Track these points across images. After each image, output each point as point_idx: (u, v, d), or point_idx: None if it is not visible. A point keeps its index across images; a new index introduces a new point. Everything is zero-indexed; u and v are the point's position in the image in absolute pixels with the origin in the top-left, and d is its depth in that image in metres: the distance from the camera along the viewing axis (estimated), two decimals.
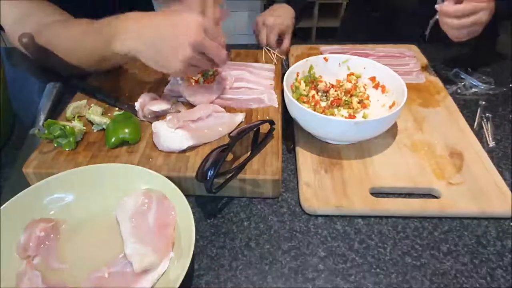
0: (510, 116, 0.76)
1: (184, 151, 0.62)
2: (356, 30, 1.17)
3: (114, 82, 0.80)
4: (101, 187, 0.57)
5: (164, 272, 0.48)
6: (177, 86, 0.76)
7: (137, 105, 0.69)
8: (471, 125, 0.71)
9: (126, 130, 0.63)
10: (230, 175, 0.58)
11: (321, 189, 0.59)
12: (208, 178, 0.54)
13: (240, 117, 0.68)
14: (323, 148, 0.66)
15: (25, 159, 0.61)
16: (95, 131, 0.67)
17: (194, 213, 0.51)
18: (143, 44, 0.61)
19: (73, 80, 0.78)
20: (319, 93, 0.73)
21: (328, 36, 2.72)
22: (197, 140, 0.62)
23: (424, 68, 0.87)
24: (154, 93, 0.74)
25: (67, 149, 0.63)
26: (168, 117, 0.67)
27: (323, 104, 0.71)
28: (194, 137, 0.62)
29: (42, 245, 0.51)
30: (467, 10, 0.73)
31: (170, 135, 0.62)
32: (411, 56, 0.90)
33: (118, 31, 0.62)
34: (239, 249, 0.54)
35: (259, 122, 0.64)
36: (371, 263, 0.52)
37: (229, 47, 0.78)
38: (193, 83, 0.75)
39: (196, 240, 0.54)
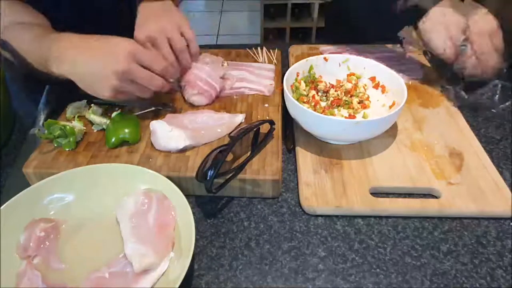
0: (510, 116, 0.76)
1: (184, 151, 0.62)
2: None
3: None
4: (101, 187, 0.57)
5: (164, 272, 0.48)
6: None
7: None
8: (471, 125, 0.71)
9: (126, 130, 0.63)
10: (230, 175, 0.58)
11: (321, 189, 0.59)
12: (208, 178, 0.54)
13: (240, 117, 0.68)
14: (323, 148, 0.66)
15: (25, 159, 0.61)
16: (95, 131, 0.67)
17: (194, 213, 0.51)
18: (75, 70, 0.62)
19: (66, 93, 0.77)
20: (319, 93, 0.73)
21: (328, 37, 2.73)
22: (194, 141, 0.62)
23: (424, 68, 0.87)
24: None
25: (67, 149, 0.63)
26: (167, 116, 0.67)
27: (323, 104, 0.71)
28: (191, 138, 0.62)
29: (42, 245, 0.52)
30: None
31: (167, 134, 0.62)
32: (411, 56, 0.90)
33: (55, 55, 0.62)
34: (239, 249, 0.54)
35: (259, 122, 0.64)
36: (371, 263, 0.52)
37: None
38: None
39: (196, 240, 0.54)
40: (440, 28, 0.71)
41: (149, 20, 0.72)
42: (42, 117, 0.73)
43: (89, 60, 0.61)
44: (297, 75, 0.73)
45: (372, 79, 0.74)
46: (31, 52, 0.67)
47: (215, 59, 0.81)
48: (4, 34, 0.71)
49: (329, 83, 0.75)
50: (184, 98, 0.74)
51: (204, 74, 0.73)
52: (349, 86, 0.73)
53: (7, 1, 0.74)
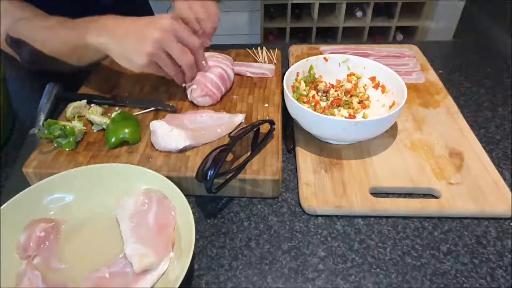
0: (510, 116, 0.76)
1: (184, 151, 0.62)
2: None
3: (113, 82, 0.80)
4: (101, 187, 0.57)
5: (164, 272, 0.48)
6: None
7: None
8: (471, 125, 0.71)
9: (126, 130, 0.63)
10: (230, 175, 0.58)
11: (321, 189, 0.59)
12: (208, 178, 0.54)
13: (240, 117, 0.68)
14: (323, 148, 0.66)
15: (25, 159, 0.61)
16: (95, 131, 0.67)
17: (194, 213, 0.51)
18: (113, 38, 0.64)
19: (66, 93, 0.78)
20: (319, 93, 0.73)
21: (328, 36, 2.73)
22: (194, 141, 0.62)
23: (424, 68, 0.87)
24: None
25: (67, 149, 0.63)
26: (167, 116, 0.67)
27: (323, 104, 0.71)
28: (191, 138, 0.62)
29: (42, 245, 0.52)
30: None
31: (167, 134, 0.62)
32: (411, 56, 0.90)
33: (94, 25, 0.65)
34: (239, 249, 0.54)
35: (259, 122, 0.64)
36: (371, 263, 0.52)
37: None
38: None
39: (196, 240, 0.54)
40: None
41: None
42: (42, 117, 0.73)
43: (130, 27, 0.64)
44: (297, 75, 0.73)
45: (372, 79, 0.74)
46: (52, 37, 0.70)
47: (225, 59, 0.79)
48: (12, 30, 0.72)
49: (329, 83, 0.75)
50: (187, 96, 0.74)
51: (215, 77, 0.72)
52: (349, 86, 0.73)
53: (9, 0, 0.75)
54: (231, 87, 0.77)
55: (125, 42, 0.63)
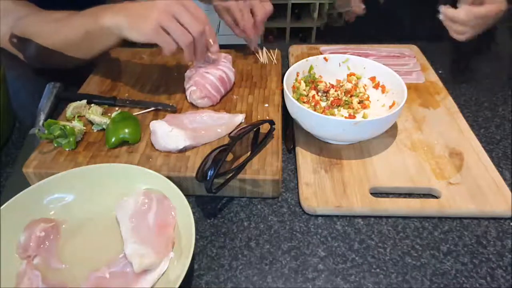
0: (510, 116, 0.76)
1: (184, 151, 0.62)
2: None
3: (113, 82, 0.80)
4: (101, 187, 0.57)
5: (164, 272, 0.48)
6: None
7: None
8: (471, 125, 0.71)
9: (126, 130, 0.63)
10: (230, 175, 0.58)
11: (321, 189, 0.59)
12: (208, 178, 0.54)
13: (240, 117, 0.68)
14: (323, 148, 0.66)
15: (25, 159, 0.61)
16: (95, 131, 0.67)
17: (194, 213, 0.51)
18: (128, 16, 0.66)
19: (66, 93, 0.78)
20: (319, 93, 0.73)
21: (328, 36, 2.73)
22: (194, 141, 0.62)
23: (424, 68, 0.87)
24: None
25: (67, 149, 0.63)
26: (167, 116, 0.67)
27: (323, 104, 0.71)
28: (191, 138, 0.62)
29: (42, 245, 0.52)
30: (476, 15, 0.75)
31: (167, 134, 0.62)
32: (411, 56, 0.90)
33: (112, 9, 0.67)
34: (239, 249, 0.54)
35: (259, 122, 0.64)
36: (371, 263, 0.52)
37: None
38: None
39: (196, 240, 0.54)
40: None
41: None
42: (42, 117, 0.73)
43: (144, 5, 0.65)
44: (297, 75, 0.73)
45: (372, 79, 0.74)
46: (64, 26, 0.72)
47: (226, 61, 0.78)
48: (17, 27, 0.73)
49: (329, 83, 0.75)
50: (186, 97, 0.74)
51: (215, 79, 0.72)
52: (349, 86, 0.73)
53: (11, 0, 0.75)
54: (231, 88, 0.77)
55: (137, 15, 0.65)
